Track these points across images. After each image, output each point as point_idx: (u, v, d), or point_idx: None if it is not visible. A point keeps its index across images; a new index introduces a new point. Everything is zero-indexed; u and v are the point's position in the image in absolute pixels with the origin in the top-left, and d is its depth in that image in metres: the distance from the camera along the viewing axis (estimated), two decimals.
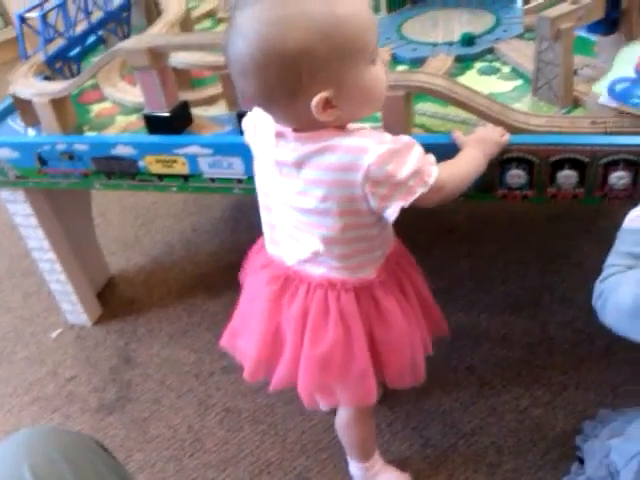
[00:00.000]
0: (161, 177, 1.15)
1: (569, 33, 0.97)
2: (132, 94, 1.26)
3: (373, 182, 0.76)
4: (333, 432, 1.20)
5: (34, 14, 1.20)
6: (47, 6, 1.22)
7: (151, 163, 1.13)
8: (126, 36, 1.40)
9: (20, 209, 1.33)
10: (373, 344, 0.92)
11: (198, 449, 1.23)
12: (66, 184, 1.22)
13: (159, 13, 1.43)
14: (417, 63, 1.18)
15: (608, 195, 0.96)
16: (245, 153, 1.06)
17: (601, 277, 0.80)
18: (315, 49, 0.69)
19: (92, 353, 1.48)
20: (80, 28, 1.32)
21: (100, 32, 1.39)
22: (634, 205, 0.82)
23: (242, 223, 1.82)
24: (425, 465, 1.14)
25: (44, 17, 1.20)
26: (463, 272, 1.50)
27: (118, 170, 1.16)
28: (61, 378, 1.43)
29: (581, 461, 1.02)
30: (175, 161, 1.11)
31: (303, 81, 0.71)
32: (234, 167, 1.09)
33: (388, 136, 0.78)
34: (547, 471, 1.09)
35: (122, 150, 1.12)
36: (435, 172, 0.80)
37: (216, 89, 1.21)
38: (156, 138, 1.12)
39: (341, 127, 0.78)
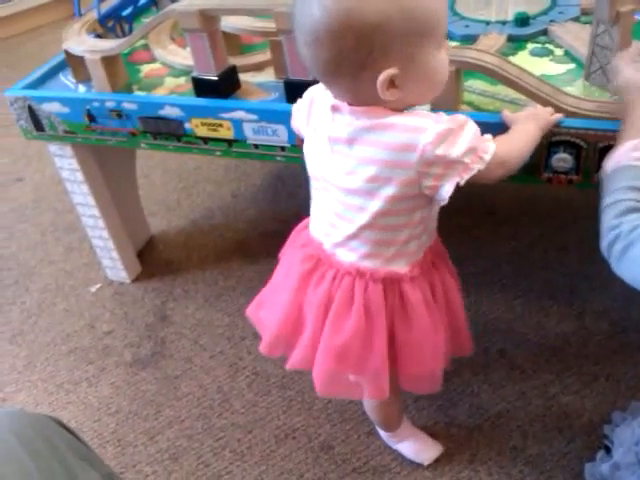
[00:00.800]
0: (206, 140, 1.16)
1: (628, 16, 0.94)
2: (181, 56, 1.27)
3: (427, 162, 0.74)
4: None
5: None
6: None
7: (197, 126, 1.14)
8: None
9: (67, 164, 1.36)
10: (392, 342, 0.90)
11: (226, 409, 1.26)
12: (113, 142, 1.25)
13: None
14: (469, 40, 1.16)
15: None
16: (290, 121, 1.07)
17: (616, 212, 0.74)
18: (393, 24, 0.69)
19: (129, 309, 1.51)
20: None
21: None
22: None
23: (281, 192, 1.83)
24: (449, 444, 1.14)
25: None
26: (502, 255, 1.49)
27: (164, 131, 1.18)
28: (98, 331, 1.47)
29: (607, 450, 1.01)
30: (221, 125, 1.12)
31: (374, 55, 0.70)
32: (278, 134, 1.09)
33: (445, 116, 0.76)
34: (571, 459, 1.09)
35: (169, 111, 1.14)
36: (492, 148, 0.78)
37: (265, 56, 1.21)
38: (203, 101, 1.13)
39: (397, 109, 0.77)
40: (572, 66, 1.08)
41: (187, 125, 1.15)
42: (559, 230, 1.54)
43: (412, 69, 0.73)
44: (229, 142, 1.15)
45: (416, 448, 1.13)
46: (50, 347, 1.46)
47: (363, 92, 0.74)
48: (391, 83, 0.73)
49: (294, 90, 1.07)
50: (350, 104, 0.77)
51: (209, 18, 1.06)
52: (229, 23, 1.17)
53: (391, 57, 0.71)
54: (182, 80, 1.22)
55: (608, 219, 0.75)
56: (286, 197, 1.81)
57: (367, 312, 0.86)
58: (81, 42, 1.22)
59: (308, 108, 0.87)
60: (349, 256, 0.86)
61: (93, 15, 1.27)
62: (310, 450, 1.17)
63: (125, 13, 1.33)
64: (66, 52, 1.23)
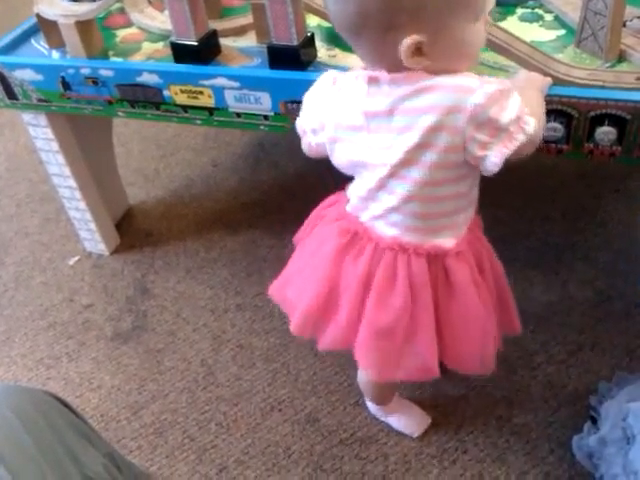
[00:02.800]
0: (186, 109, 1.13)
1: None
2: (159, 20, 1.22)
3: (476, 125, 0.71)
4: (344, 375, 1.21)
5: None
6: None
7: (176, 93, 1.10)
8: None
9: (41, 133, 1.32)
10: (438, 320, 0.86)
11: (211, 383, 1.24)
12: (89, 110, 1.20)
13: None
14: None
15: None
16: (273, 88, 1.04)
17: None
18: None
19: (109, 282, 1.48)
20: None
21: None
22: None
23: (263, 162, 1.79)
24: (435, 413, 1.14)
25: None
26: (485, 223, 1.47)
27: (142, 99, 1.13)
28: (77, 305, 1.44)
29: (593, 421, 1.02)
30: (201, 92, 1.08)
31: (403, 17, 0.68)
32: (261, 102, 1.06)
33: (490, 78, 0.74)
34: (556, 428, 1.09)
35: (147, 78, 1.10)
36: (532, 121, 0.75)
37: (246, 19, 1.17)
38: (182, 67, 1.09)
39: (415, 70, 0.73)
40: (562, 32, 1.05)
41: (166, 92, 1.11)
42: (543, 199, 1.53)
43: (441, 39, 0.70)
44: (210, 110, 1.11)
45: (405, 420, 1.12)
46: (28, 321, 1.42)
47: (389, 56, 0.71)
48: (418, 50, 0.70)
49: (277, 55, 1.03)
50: (390, 71, 0.73)
51: None
52: None
53: (421, 22, 0.68)
54: (160, 45, 1.18)
55: None
56: (267, 166, 1.77)
57: (412, 288, 0.82)
58: (54, 5, 1.17)
59: (326, 99, 0.82)
60: (390, 230, 0.82)
61: None
62: (296, 422, 1.16)
63: None
64: (38, 16, 1.18)
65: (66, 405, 0.76)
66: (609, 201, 1.50)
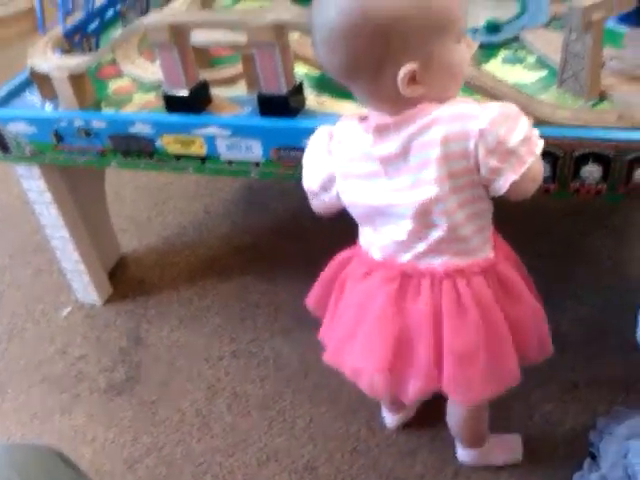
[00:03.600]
0: (178, 158, 1.14)
1: (600, 24, 0.95)
2: (150, 71, 1.24)
3: (485, 150, 0.72)
4: (341, 421, 1.20)
5: None
6: None
7: (169, 143, 1.12)
8: (144, 11, 1.38)
9: (34, 185, 1.32)
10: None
11: (206, 433, 1.22)
12: (82, 161, 1.21)
13: None
14: None
15: (631, 192, 0.94)
16: (264, 136, 1.05)
17: None
18: (410, 16, 0.68)
19: (102, 333, 1.47)
20: (99, 1, 1.31)
21: (118, 6, 1.37)
22: None
23: (254, 206, 1.80)
24: (431, 453, 1.13)
25: None
26: None
27: (135, 149, 1.15)
28: (70, 357, 1.43)
29: (593, 457, 1.01)
30: (193, 142, 1.10)
31: (392, 51, 0.70)
32: (252, 150, 1.07)
33: (492, 102, 0.76)
34: (556, 467, 1.08)
35: (140, 128, 1.11)
36: (542, 142, 0.76)
37: (235, 69, 1.19)
38: (175, 117, 1.10)
39: (413, 105, 0.75)
40: (545, 73, 1.08)
41: (158, 142, 1.12)
42: (532, 237, 1.54)
43: (432, 64, 0.72)
44: (202, 159, 1.12)
45: (505, 451, 1.10)
46: (22, 375, 1.41)
47: (384, 90, 0.73)
48: (412, 79, 0.71)
49: (267, 104, 1.05)
50: (393, 115, 0.75)
51: (179, 32, 1.03)
52: (199, 36, 1.15)
53: (410, 52, 0.70)
54: (152, 96, 1.20)
55: None
56: (259, 211, 1.78)
57: (479, 306, 0.83)
58: (47, 59, 1.19)
59: (328, 155, 0.83)
60: (438, 259, 0.83)
61: (58, 30, 1.24)
62: (293, 472, 1.14)
63: (91, 28, 1.30)
64: (31, 69, 1.20)
65: (70, 463, 0.75)
66: (597, 237, 1.51)
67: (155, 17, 1.05)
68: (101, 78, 1.29)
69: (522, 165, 0.74)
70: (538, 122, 0.91)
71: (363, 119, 0.80)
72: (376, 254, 0.87)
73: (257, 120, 1.06)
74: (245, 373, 1.33)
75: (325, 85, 1.13)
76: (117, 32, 1.38)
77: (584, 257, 1.47)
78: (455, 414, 1.04)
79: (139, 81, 1.25)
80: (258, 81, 1.04)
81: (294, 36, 1.07)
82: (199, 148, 1.10)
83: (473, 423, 1.04)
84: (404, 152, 0.76)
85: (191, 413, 1.26)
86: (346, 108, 1.06)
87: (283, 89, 1.03)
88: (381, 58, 0.70)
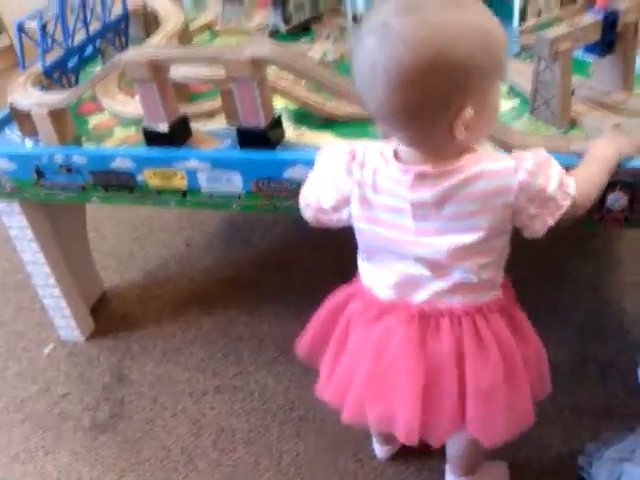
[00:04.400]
0: (159, 191, 1.14)
1: (567, 54, 0.98)
2: (131, 106, 1.25)
3: (525, 200, 0.75)
4: (328, 454, 1.19)
5: (33, 23, 1.20)
6: (45, 15, 1.21)
7: (150, 177, 1.12)
8: (124, 47, 1.40)
9: (15, 221, 1.32)
10: None
11: (191, 470, 1.21)
12: (64, 197, 1.21)
13: (157, 25, 1.43)
14: None
15: (605, 217, 0.96)
16: (244, 168, 1.06)
17: None
18: (477, 62, 0.68)
19: (85, 370, 1.45)
20: (78, 38, 1.32)
21: (98, 43, 1.39)
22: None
23: (235, 239, 1.81)
24: None
25: (43, 27, 1.19)
26: None
27: (116, 184, 1.15)
28: (53, 395, 1.40)
29: None
30: (174, 175, 1.11)
31: (459, 93, 0.69)
32: (233, 182, 1.08)
33: (521, 152, 0.77)
34: None
35: (121, 163, 1.12)
36: (572, 182, 0.78)
37: (215, 103, 1.20)
38: (155, 151, 1.11)
39: (462, 152, 0.76)
40: (517, 101, 1.11)
41: (139, 177, 1.13)
42: (516, 262, 1.55)
43: (485, 106, 0.73)
44: (183, 192, 1.13)
45: (494, 478, 1.10)
46: (3, 414, 1.38)
47: (436, 133, 0.72)
48: (465, 122, 0.71)
49: (246, 137, 1.07)
50: (434, 167, 0.75)
51: (158, 68, 1.05)
52: (178, 71, 1.16)
53: (470, 96, 0.70)
54: (132, 130, 1.21)
55: None
56: (241, 244, 1.79)
57: (499, 344, 0.83)
58: (27, 95, 1.20)
59: (347, 175, 0.81)
60: (456, 298, 0.82)
61: (38, 67, 1.25)
62: None
63: (71, 64, 1.31)
64: (11, 106, 1.20)
65: None
66: (577, 262, 1.53)
67: (134, 53, 1.06)
68: (81, 114, 1.30)
69: (559, 209, 0.77)
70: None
71: (397, 155, 0.79)
72: (384, 292, 0.86)
73: (237, 153, 1.07)
74: (230, 408, 1.31)
75: (303, 118, 1.15)
76: (96, 68, 1.39)
77: (566, 282, 1.49)
78: (458, 445, 1.02)
79: (119, 116, 1.26)
80: (237, 115, 1.06)
81: (272, 70, 1.09)
82: (180, 181, 1.11)
83: (474, 454, 1.04)
84: (440, 202, 0.76)
85: (176, 450, 1.25)
86: (325, 139, 1.08)
87: (262, 122, 1.04)
88: (448, 101, 0.69)
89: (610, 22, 1.01)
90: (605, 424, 1.16)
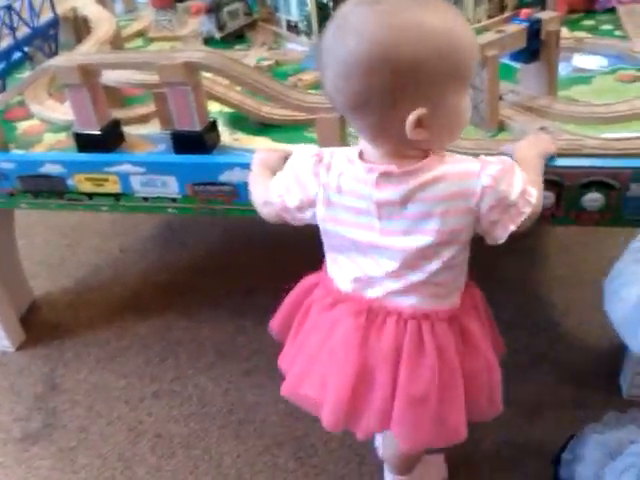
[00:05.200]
0: (91, 196, 1.12)
1: (494, 60, 1.02)
2: (60, 112, 1.23)
3: (488, 206, 0.76)
4: (268, 454, 1.20)
5: None
6: None
7: (81, 181, 1.10)
8: (54, 53, 1.37)
9: None
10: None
11: (129, 477, 1.19)
12: None
13: (88, 31, 1.40)
14: None
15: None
16: (180, 172, 1.06)
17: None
18: (429, 63, 0.68)
19: (15, 380, 1.41)
20: (5, 44, 1.28)
21: (26, 49, 1.34)
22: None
23: (172, 242, 1.79)
24: None
25: None
26: None
27: (46, 189, 1.12)
28: None
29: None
30: (106, 179, 1.09)
31: (406, 93, 0.70)
32: (168, 186, 1.07)
33: (488, 158, 0.78)
34: None
35: (50, 168, 1.09)
36: (534, 191, 0.79)
37: (148, 108, 1.19)
38: (86, 156, 1.09)
39: (426, 153, 0.77)
40: None
41: (70, 181, 1.10)
42: None
43: (441, 111, 0.72)
44: (116, 196, 1.11)
45: (433, 472, 1.11)
46: None
47: (389, 129, 0.73)
48: (419, 122, 0.71)
49: (181, 141, 1.06)
50: (400, 165, 0.75)
51: (89, 72, 1.03)
52: (110, 76, 1.14)
53: (422, 96, 0.70)
54: (62, 136, 1.18)
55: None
56: (177, 247, 1.77)
57: (440, 353, 0.83)
58: None
59: (314, 177, 0.81)
60: (408, 300, 0.83)
61: None
62: None
63: None
64: None
65: None
66: (508, 260, 1.58)
67: (64, 58, 1.04)
68: (9, 120, 1.26)
69: (520, 216, 0.78)
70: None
71: (362, 156, 0.79)
72: (344, 285, 0.87)
73: (172, 157, 1.07)
74: (168, 413, 1.30)
75: (239, 123, 1.15)
76: (25, 74, 1.35)
77: (496, 279, 1.53)
78: (393, 445, 1.03)
79: (49, 122, 1.23)
80: (172, 119, 1.05)
81: (207, 76, 1.09)
82: (113, 185, 1.09)
83: (411, 458, 1.05)
84: (404, 201, 0.77)
85: (113, 457, 1.23)
86: (260, 144, 1.08)
87: (197, 126, 1.04)
88: (395, 97, 0.70)
89: (534, 30, 1.05)
90: (538, 413, 1.21)
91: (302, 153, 0.85)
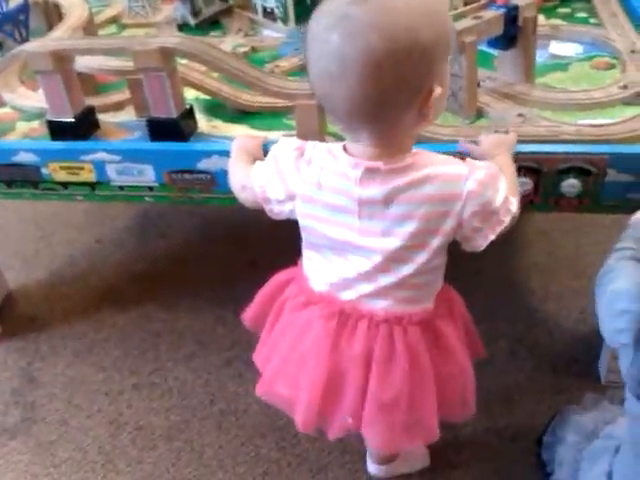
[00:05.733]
0: (66, 185, 1.10)
1: (473, 46, 1.02)
2: (34, 99, 1.20)
3: (471, 211, 0.75)
4: (250, 445, 1.19)
5: None
6: None
7: (55, 170, 1.08)
8: (24, 40, 1.33)
9: None
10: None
11: (110, 470, 1.17)
12: None
13: (60, 17, 1.37)
14: None
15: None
16: (156, 160, 1.04)
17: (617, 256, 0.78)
18: (440, 41, 0.69)
19: None
20: None
21: None
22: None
23: (150, 233, 1.77)
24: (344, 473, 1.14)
25: None
26: None
27: (19, 178, 1.10)
28: None
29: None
30: (81, 168, 1.07)
31: (430, 75, 0.69)
32: (145, 174, 1.06)
33: (476, 162, 0.77)
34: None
35: (24, 157, 1.07)
36: (514, 200, 0.79)
37: (123, 95, 1.17)
38: (60, 144, 1.07)
39: (410, 139, 0.76)
40: None
41: (44, 170, 1.08)
42: None
43: (443, 85, 0.72)
44: (92, 185, 1.10)
45: (410, 460, 1.11)
46: None
47: (405, 122, 0.72)
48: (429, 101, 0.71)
49: (158, 128, 1.05)
50: (386, 163, 0.74)
51: (62, 58, 1.01)
52: (83, 62, 1.12)
53: (436, 76, 0.70)
54: (35, 124, 1.16)
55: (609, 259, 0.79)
56: (154, 238, 1.75)
57: (411, 357, 0.83)
58: None
59: (295, 171, 0.80)
60: (380, 303, 0.82)
61: None
62: None
63: None
64: None
65: None
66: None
67: (36, 44, 1.02)
68: None
69: (500, 225, 0.78)
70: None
71: (346, 151, 0.78)
72: (318, 285, 0.86)
73: (148, 144, 1.05)
74: (148, 405, 1.29)
75: (216, 109, 1.14)
76: None
77: (470, 270, 1.53)
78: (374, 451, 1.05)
79: (21, 110, 1.21)
80: (147, 106, 1.03)
81: (183, 62, 1.07)
82: (88, 174, 1.07)
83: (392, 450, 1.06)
84: (387, 200, 0.75)
85: (93, 450, 1.21)
86: (239, 131, 1.07)
87: (173, 113, 1.02)
88: (421, 82, 0.69)
89: (511, 17, 1.05)
90: (517, 399, 1.22)
91: (284, 145, 0.83)
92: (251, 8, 1.46)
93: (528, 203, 0.99)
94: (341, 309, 0.84)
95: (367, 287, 0.82)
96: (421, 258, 0.78)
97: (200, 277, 1.58)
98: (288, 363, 0.90)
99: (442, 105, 0.77)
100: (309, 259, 0.88)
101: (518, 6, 1.05)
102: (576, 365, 1.27)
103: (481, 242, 0.79)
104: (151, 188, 1.08)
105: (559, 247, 1.59)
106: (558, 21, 1.36)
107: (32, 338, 1.46)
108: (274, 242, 1.53)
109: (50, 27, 1.36)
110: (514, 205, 0.80)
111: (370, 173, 0.75)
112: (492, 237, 0.78)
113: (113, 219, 1.83)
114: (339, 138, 1.02)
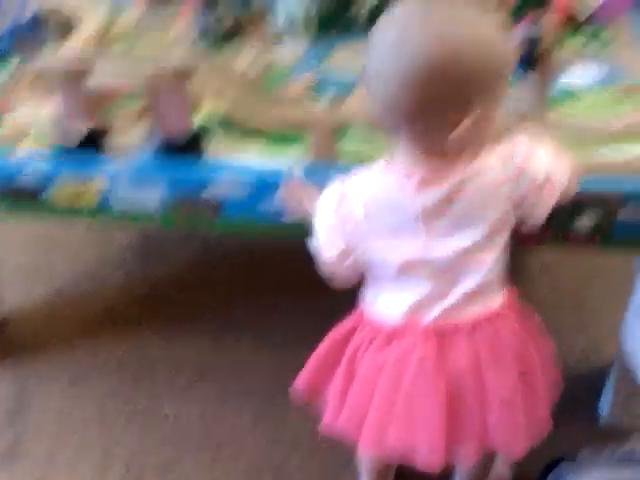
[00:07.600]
0: (70, 205, 1.06)
1: None
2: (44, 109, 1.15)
3: (526, 182, 0.76)
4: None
5: None
6: None
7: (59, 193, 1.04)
8: (36, 51, 1.30)
9: None
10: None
11: None
12: None
13: (72, 29, 1.34)
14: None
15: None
16: (164, 181, 1.00)
17: None
18: (497, 66, 0.72)
19: None
20: None
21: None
22: None
23: (152, 254, 1.71)
24: None
25: None
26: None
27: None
28: None
29: None
30: (86, 189, 1.03)
31: (472, 94, 0.71)
32: (151, 196, 1.02)
33: (511, 138, 0.79)
34: None
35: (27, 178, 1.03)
36: (565, 158, 0.80)
37: (130, 113, 1.13)
38: (67, 163, 1.03)
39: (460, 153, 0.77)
40: None
41: (48, 190, 1.04)
42: None
43: (491, 111, 0.74)
44: (96, 204, 1.05)
45: None
46: None
47: (443, 133, 0.72)
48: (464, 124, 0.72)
49: (166, 149, 1.01)
50: (428, 154, 0.75)
51: (74, 74, 0.98)
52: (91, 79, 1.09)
53: (481, 97, 0.71)
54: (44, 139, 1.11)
55: None
56: (156, 260, 1.70)
57: (515, 349, 0.83)
58: None
59: (338, 224, 0.80)
60: (467, 309, 0.81)
61: None
62: None
63: None
64: None
65: None
66: None
67: (50, 57, 0.99)
68: None
69: (556, 190, 0.78)
70: None
71: (392, 169, 0.78)
72: (393, 318, 0.83)
73: (156, 165, 1.01)
74: (141, 438, 1.23)
75: (228, 129, 1.10)
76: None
77: None
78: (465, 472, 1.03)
79: (31, 121, 1.16)
80: (157, 126, 1.00)
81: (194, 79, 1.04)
82: (92, 197, 1.04)
83: (484, 466, 1.02)
84: (449, 199, 0.76)
85: None
86: (250, 149, 1.03)
87: (183, 134, 0.99)
88: (469, 100, 0.71)
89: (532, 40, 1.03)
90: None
91: (324, 199, 0.82)
92: (270, 22, 1.43)
93: (537, 237, 0.93)
94: (433, 329, 0.81)
95: (450, 299, 0.81)
96: (495, 247, 0.79)
97: (202, 302, 1.53)
98: (393, 408, 0.84)
99: (480, 138, 0.76)
100: (376, 295, 0.85)
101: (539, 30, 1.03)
102: (576, 404, 1.22)
103: (543, 210, 0.79)
104: (156, 210, 1.04)
105: (560, 281, 1.55)
106: (573, 47, 1.31)
107: (27, 361, 1.41)
108: (275, 268, 1.50)
109: (62, 38, 1.33)
110: (563, 166, 0.79)
111: (427, 179, 0.76)
112: (552, 201, 0.78)
113: (114, 238, 1.79)
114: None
